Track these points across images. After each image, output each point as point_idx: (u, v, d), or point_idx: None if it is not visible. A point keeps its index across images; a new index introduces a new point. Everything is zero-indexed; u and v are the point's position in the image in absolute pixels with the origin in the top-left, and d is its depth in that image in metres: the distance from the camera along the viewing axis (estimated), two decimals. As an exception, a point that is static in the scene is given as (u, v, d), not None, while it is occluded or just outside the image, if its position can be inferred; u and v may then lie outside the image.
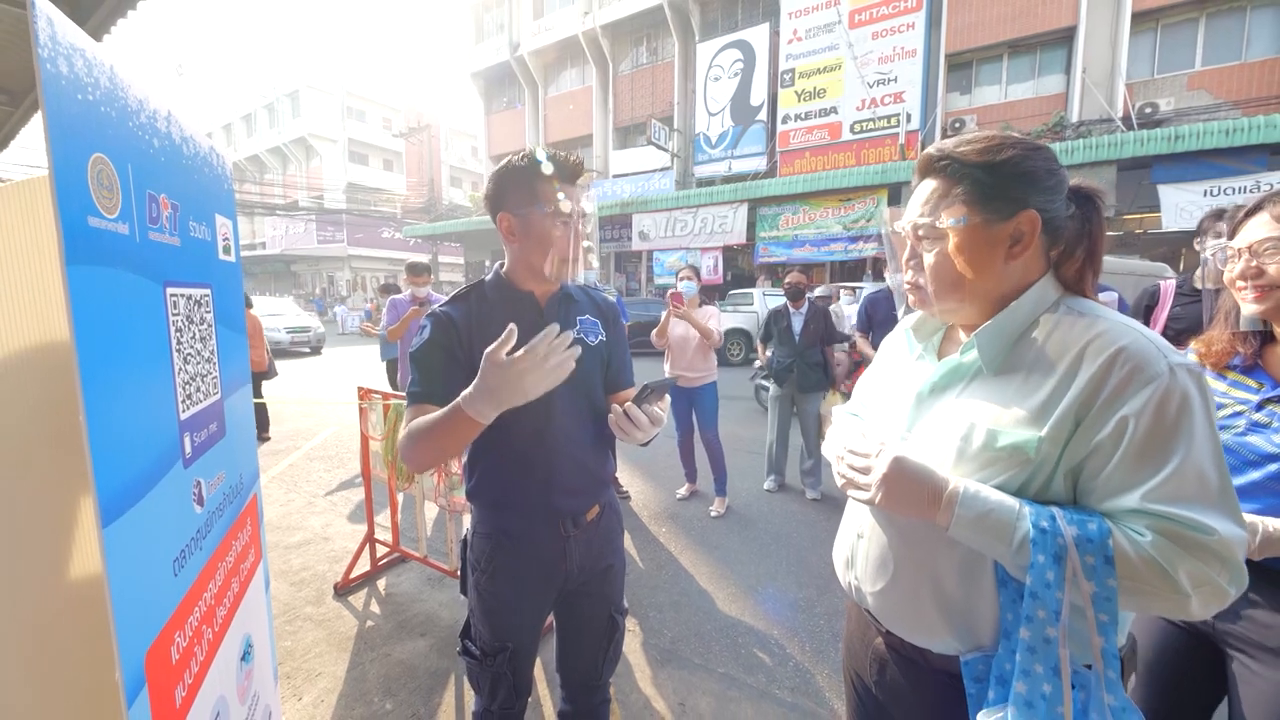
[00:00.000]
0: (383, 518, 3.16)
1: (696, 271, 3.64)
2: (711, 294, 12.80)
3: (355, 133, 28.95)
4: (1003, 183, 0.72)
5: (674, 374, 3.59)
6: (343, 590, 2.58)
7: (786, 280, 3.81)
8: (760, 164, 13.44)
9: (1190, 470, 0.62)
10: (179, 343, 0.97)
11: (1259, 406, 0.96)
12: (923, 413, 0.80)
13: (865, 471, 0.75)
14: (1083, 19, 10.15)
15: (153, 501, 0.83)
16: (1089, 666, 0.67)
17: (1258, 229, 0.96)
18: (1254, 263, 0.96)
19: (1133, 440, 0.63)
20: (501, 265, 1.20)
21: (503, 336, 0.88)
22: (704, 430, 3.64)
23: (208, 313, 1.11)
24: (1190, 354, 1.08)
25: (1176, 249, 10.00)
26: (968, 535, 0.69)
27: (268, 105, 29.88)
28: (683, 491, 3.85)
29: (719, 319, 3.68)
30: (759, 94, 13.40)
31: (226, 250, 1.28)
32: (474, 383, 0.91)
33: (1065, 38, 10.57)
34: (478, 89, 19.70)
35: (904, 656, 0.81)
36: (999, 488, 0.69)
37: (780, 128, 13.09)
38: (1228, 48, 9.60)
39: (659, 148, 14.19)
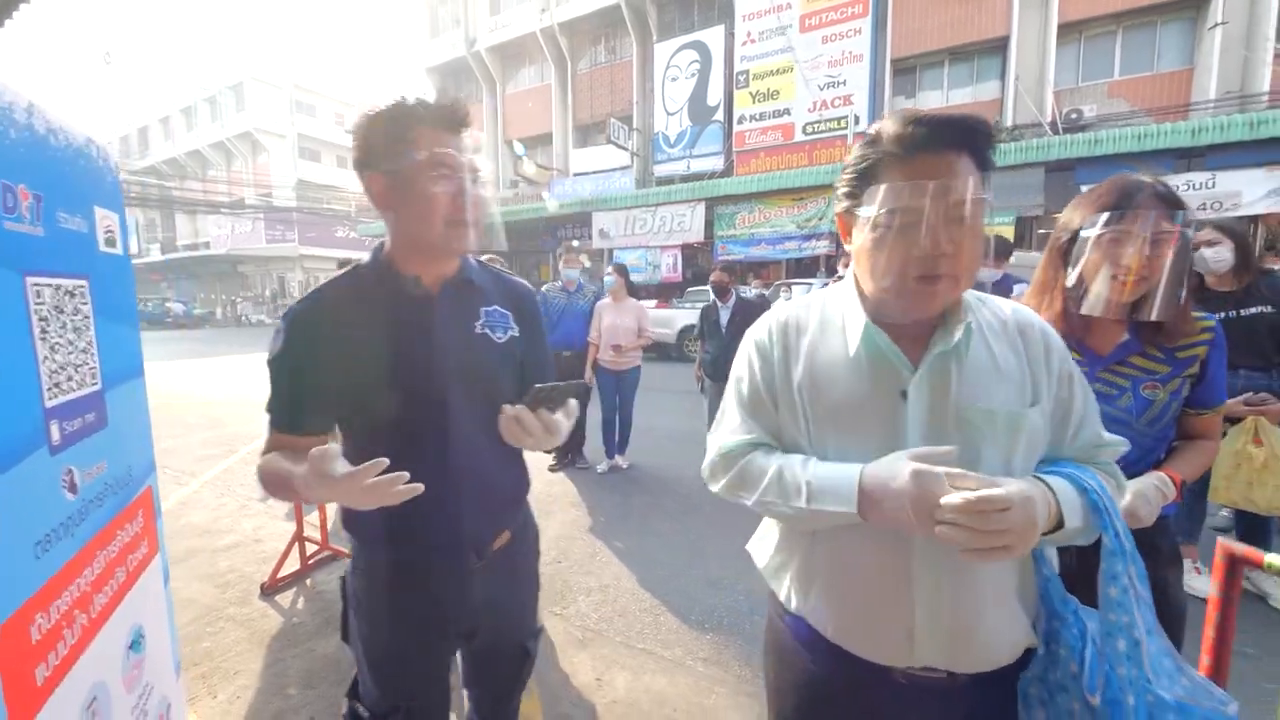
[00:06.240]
0: (314, 516, 3.12)
1: (622, 270, 4.12)
2: (670, 292, 12.96)
3: (305, 128, 27.86)
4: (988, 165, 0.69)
5: (605, 358, 4.03)
6: (270, 590, 2.55)
7: (710, 280, 4.11)
8: (717, 163, 13.66)
9: (1093, 402, 0.77)
10: (44, 331, 0.98)
11: (1094, 377, 1.04)
12: (919, 416, 0.70)
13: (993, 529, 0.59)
14: (1014, 29, 10.75)
15: (10, 484, 0.85)
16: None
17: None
18: (1149, 253, 0.90)
19: (1080, 387, 0.75)
20: (382, 244, 0.96)
21: (364, 467, 0.72)
22: (623, 405, 4.25)
23: (83, 304, 1.12)
24: None
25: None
26: (1064, 534, 0.66)
27: (209, 98, 28.43)
28: (603, 467, 4.24)
29: (645, 315, 4.11)
30: (715, 94, 13.63)
31: (110, 243, 1.28)
32: (303, 473, 0.75)
33: (999, 46, 11.17)
34: (433, 84, 19.31)
35: (932, 690, 0.73)
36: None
37: (736, 128, 13.35)
38: (1141, 59, 10.35)
39: (619, 146, 14.25)
